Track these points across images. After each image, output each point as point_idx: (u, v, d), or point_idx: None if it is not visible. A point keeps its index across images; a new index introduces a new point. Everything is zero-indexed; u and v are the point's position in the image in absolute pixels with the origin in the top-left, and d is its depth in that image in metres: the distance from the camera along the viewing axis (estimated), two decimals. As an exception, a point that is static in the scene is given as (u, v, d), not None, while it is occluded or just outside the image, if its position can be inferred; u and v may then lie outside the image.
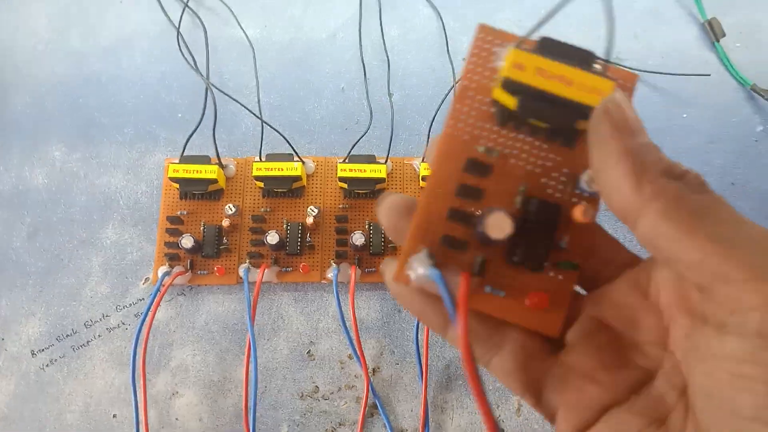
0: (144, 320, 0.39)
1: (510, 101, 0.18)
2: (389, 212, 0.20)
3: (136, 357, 0.39)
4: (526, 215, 0.19)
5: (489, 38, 0.20)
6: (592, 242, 0.20)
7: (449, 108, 0.20)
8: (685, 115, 0.47)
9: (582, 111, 0.18)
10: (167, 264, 0.42)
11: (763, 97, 0.46)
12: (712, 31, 0.49)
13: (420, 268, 0.19)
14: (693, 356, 0.17)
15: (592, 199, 0.20)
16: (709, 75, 0.48)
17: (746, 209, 0.45)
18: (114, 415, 0.40)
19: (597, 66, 0.19)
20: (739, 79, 0.48)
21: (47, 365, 0.42)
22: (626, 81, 0.20)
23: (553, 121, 0.18)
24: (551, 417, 0.20)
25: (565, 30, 0.49)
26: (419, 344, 0.40)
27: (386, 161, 0.44)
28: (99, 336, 0.42)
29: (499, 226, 0.18)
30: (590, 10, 0.50)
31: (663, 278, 0.19)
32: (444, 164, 0.20)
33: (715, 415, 0.15)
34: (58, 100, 0.49)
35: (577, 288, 0.21)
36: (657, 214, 0.15)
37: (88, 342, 0.42)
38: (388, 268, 0.20)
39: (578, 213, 0.19)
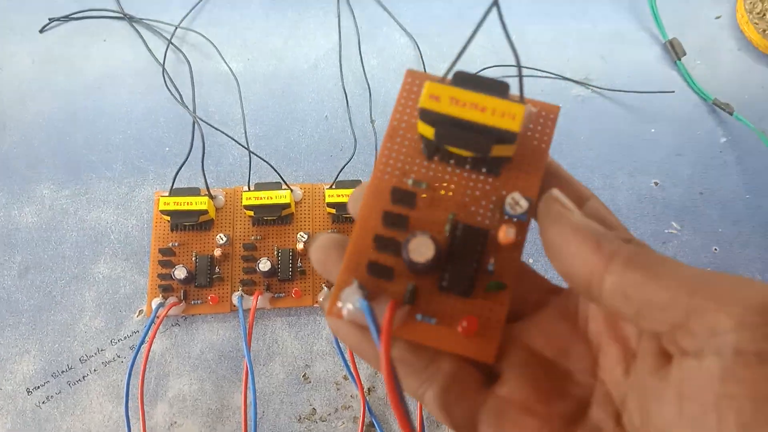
0: (138, 352, 0.40)
1: (429, 132, 0.19)
2: (318, 250, 0.20)
3: (130, 389, 0.40)
4: (453, 241, 0.19)
5: (417, 82, 0.21)
6: (517, 264, 0.20)
7: (381, 147, 0.21)
8: (653, 130, 0.50)
9: (497, 135, 0.18)
10: (161, 295, 0.43)
11: (724, 110, 0.49)
12: (674, 51, 0.51)
13: (351, 301, 0.19)
14: (658, 386, 0.17)
15: (519, 223, 0.20)
16: (674, 92, 0.50)
17: (714, 216, 0.47)
18: (113, 449, 0.40)
19: (513, 96, 0.19)
20: (701, 95, 0.50)
21: (44, 402, 0.41)
22: (549, 112, 0.21)
23: (469, 146, 0.19)
24: None
25: (536, 51, 0.52)
26: (413, 362, 0.41)
27: (372, 185, 0.46)
28: (95, 370, 0.42)
29: (421, 249, 0.18)
30: (561, 29, 0.53)
31: (592, 308, 0.20)
32: (375, 199, 0.20)
33: None
34: (46, 138, 0.49)
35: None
36: (622, 266, 0.16)
37: (84, 377, 0.42)
38: (325, 301, 0.20)
39: (501, 234, 0.19)
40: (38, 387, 0.42)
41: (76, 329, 0.43)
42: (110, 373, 0.42)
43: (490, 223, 0.20)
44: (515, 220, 0.20)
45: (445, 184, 0.20)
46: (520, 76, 0.19)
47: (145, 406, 0.41)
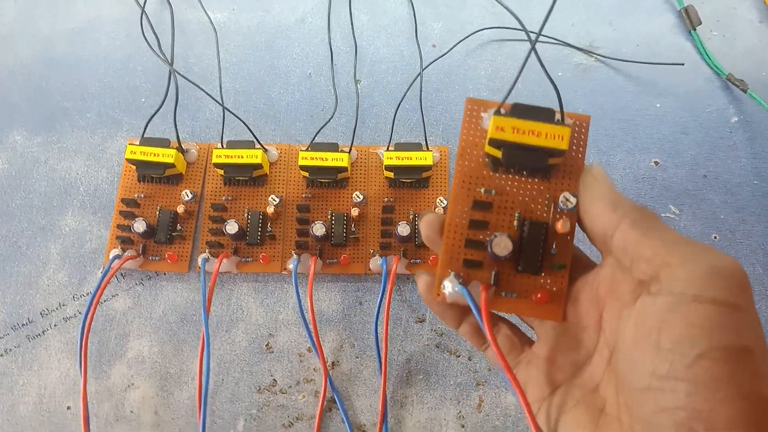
0: (91, 302, 0.36)
1: (497, 153, 0.23)
2: (427, 227, 0.24)
3: (88, 345, 0.36)
4: (522, 234, 0.24)
5: (475, 107, 0.25)
6: (571, 246, 0.24)
7: (455, 165, 0.24)
8: (658, 105, 0.43)
9: (551, 152, 0.23)
10: (120, 247, 0.39)
11: (738, 87, 0.42)
12: (689, 19, 0.44)
13: (450, 287, 0.24)
14: (627, 318, 0.21)
15: (569, 214, 0.24)
16: (683, 64, 0.44)
17: (717, 202, 0.41)
18: (68, 407, 0.37)
19: (557, 116, 0.23)
20: (714, 69, 0.44)
21: (1, 355, 0.38)
22: (582, 121, 0.24)
23: (532, 164, 0.23)
24: (524, 390, 0.23)
25: (537, 13, 0.45)
26: (378, 338, 0.37)
27: (350, 150, 0.41)
28: (55, 326, 0.39)
29: (502, 245, 0.23)
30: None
31: (603, 276, 0.23)
32: (456, 207, 0.24)
33: (643, 350, 0.19)
34: (22, 83, 0.45)
35: None
36: (627, 225, 0.21)
37: (44, 332, 0.39)
38: (421, 279, 0.25)
39: (559, 226, 0.23)
40: (-2, 339, 0.38)
41: (39, 282, 0.40)
42: (70, 329, 0.39)
43: (547, 215, 0.24)
44: (565, 211, 0.24)
45: (509, 189, 0.24)
46: (561, 108, 0.23)
47: (102, 366, 0.37)
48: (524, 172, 0.24)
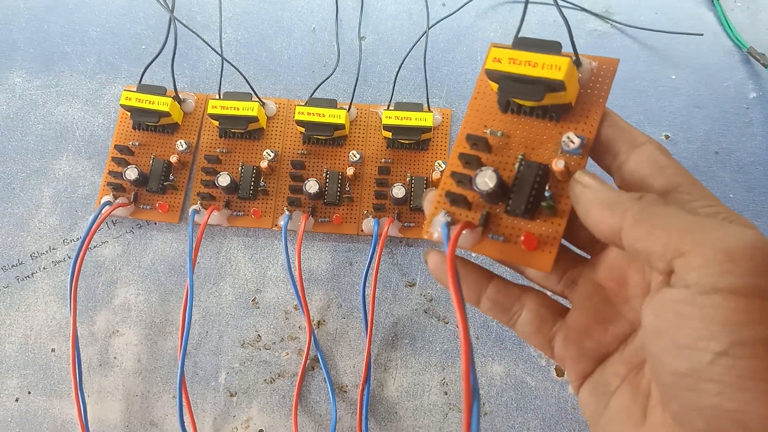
0: (81, 247, 0.34)
1: (494, 87, 0.22)
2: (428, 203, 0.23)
3: (77, 291, 0.34)
4: (519, 175, 0.21)
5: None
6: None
7: (467, 107, 0.23)
8: (673, 76, 0.40)
9: (546, 84, 0.20)
10: (112, 194, 0.37)
11: (759, 61, 0.39)
12: (712, -12, 0.41)
13: (438, 226, 0.21)
14: (647, 308, 0.19)
15: (575, 158, 0.21)
16: (702, 35, 0.40)
17: (727, 180, 0.38)
18: (53, 350, 0.36)
19: (564, 53, 0.20)
20: (735, 41, 0.40)
21: (-10, 294, 0.37)
22: (608, 65, 0.22)
23: (526, 95, 0.20)
24: (563, 367, 0.22)
25: None
26: (366, 299, 0.35)
27: (349, 107, 0.38)
28: (44, 268, 0.37)
29: (485, 179, 0.21)
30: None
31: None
32: (459, 146, 0.23)
33: (662, 347, 0.17)
34: (24, 25, 0.43)
35: (581, 253, 0.24)
36: (629, 224, 0.18)
37: (33, 273, 0.37)
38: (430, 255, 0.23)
39: (553, 164, 0.21)
40: (-12, 279, 0.37)
41: (30, 224, 0.38)
42: (59, 273, 0.37)
43: (553, 158, 0.21)
44: (567, 153, 0.21)
45: (518, 131, 0.22)
46: (572, 43, 0.21)
47: (88, 311, 0.36)
48: (533, 114, 0.22)
